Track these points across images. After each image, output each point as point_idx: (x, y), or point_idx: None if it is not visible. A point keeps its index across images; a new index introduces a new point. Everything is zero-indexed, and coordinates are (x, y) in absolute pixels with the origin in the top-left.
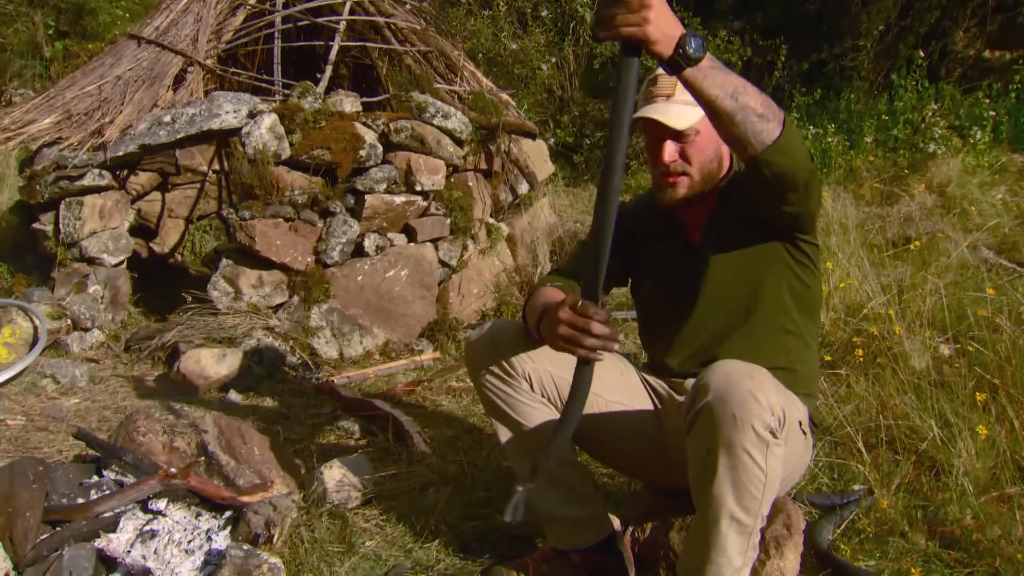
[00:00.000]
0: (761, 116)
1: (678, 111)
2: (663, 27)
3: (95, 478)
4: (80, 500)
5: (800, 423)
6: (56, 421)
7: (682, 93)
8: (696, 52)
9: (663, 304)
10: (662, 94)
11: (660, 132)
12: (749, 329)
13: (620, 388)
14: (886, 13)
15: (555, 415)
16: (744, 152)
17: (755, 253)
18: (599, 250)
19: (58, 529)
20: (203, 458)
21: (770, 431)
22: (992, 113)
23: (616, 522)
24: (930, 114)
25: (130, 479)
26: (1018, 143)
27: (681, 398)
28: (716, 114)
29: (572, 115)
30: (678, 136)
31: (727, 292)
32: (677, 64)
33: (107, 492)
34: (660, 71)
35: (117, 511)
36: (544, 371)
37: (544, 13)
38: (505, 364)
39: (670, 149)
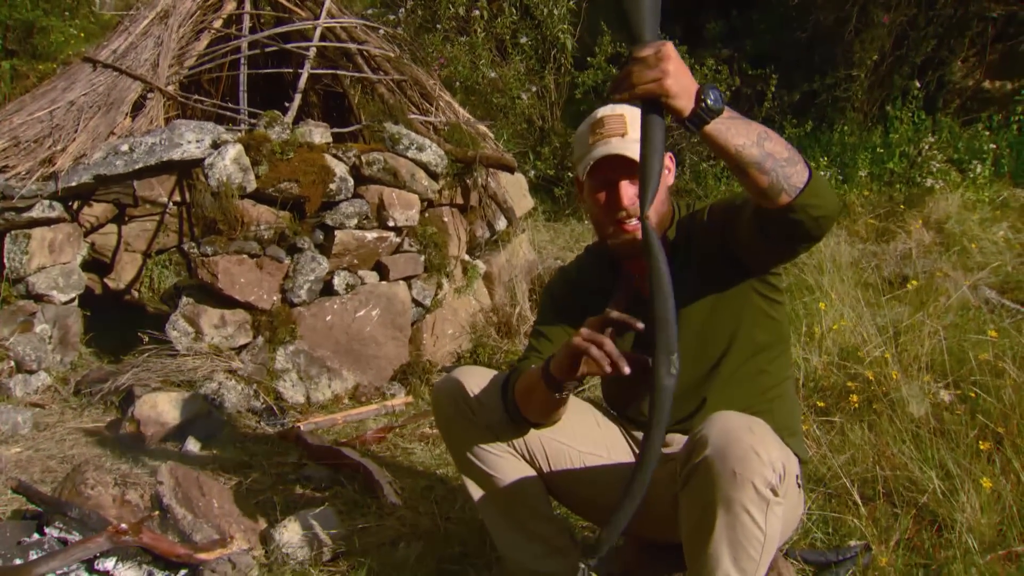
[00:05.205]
0: (788, 160)
1: (636, 149)
2: (682, 80)
3: (36, 536)
4: (18, 561)
5: (796, 476)
6: None
7: (633, 131)
8: (716, 103)
9: None
10: (614, 134)
11: (616, 174)
12: (723, 378)
13: (596, 439)
14: (880, 42)
15: (529, 470)
16: (776, 201)
17: (721, 300)
18: (664, 303)
19: None
20: (157, 512)
21: (771, 488)
22: (993, 146)
23: None
24: (927, 147)
25: (76, 536)
26: (1020, 177)
27: (666, 450)
28: (743, 165)
29: (553, 146)
30: (634, 177)
31: (695, 343)
32: (699, 119)
33: (49, 551)
34: (603, 111)
35: (59, 572)
36: None
37: (523, 40)
38: (473, 414)
39: (629, 192)
